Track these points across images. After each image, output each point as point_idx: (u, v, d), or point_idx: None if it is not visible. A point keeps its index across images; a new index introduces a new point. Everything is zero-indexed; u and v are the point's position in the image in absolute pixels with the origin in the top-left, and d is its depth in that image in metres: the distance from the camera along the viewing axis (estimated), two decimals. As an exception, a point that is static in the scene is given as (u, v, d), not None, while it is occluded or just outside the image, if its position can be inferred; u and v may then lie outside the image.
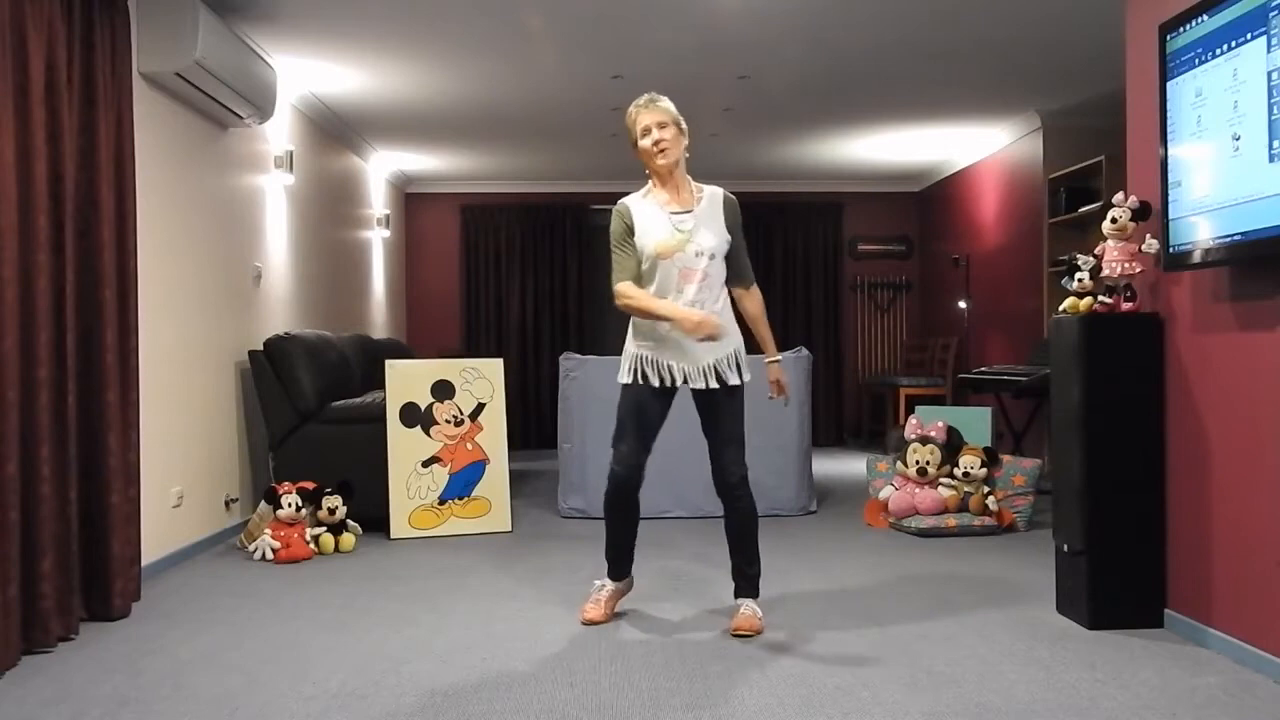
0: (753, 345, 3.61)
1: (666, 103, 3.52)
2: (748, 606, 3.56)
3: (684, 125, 3.54)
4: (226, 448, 5.27)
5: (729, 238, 3.53)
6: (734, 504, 3.54)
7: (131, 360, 3.83)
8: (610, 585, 3.71)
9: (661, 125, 3.48)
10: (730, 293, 3.60)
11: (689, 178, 3.59)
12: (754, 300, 3.66)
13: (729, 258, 3.55)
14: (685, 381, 3.49)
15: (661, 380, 3.49)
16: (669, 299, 3.43)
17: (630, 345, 3.58)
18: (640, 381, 3.50)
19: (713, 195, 3.57)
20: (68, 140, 3.45)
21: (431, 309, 9.98)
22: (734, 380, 3.50)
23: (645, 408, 3.51)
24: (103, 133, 3.66)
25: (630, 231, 3.50)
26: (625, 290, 3.47)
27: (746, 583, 3.61)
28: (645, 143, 3.49)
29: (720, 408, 3.50)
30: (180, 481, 4.68)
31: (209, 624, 3.64)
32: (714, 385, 3.47)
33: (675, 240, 3.44)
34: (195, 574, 4.45)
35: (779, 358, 3.66)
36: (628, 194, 3.60)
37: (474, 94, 6.54)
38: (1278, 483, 2.99)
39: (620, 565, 3.73)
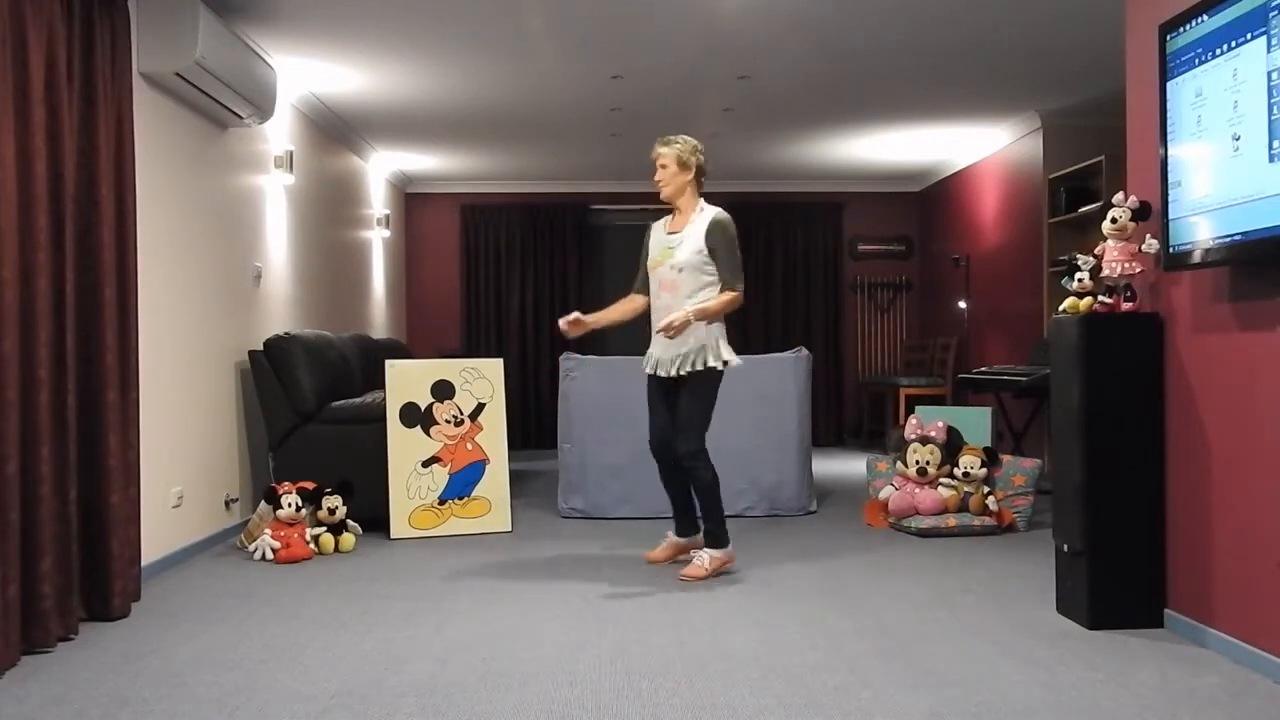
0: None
1: (671, 146, 4.25)
2: (699, 556, 4.28)
3: (689, 160, 4.24)
4: (226, 448, 5.27)
5: (703, 250, 4.20)
6: (684, 475, 4.32)
7: (131, 360, 3.83)
8: (670, 536, 4.56)
9: (663, 165, 4.25)
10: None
11: (700, 200, 4.32)
12: (720, 298, 4.23)
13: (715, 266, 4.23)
14: (657, 370, 4.29)
15: (653, 369, 4.34)
16: (657, 302, 4.33)
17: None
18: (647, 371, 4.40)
19: (704, 217, 4.25)
20: (68, 140, 3.45)
21: (431, 309, 9.98)
22: (686, 371, 4.19)
23: (651, 392, 4.41)
24: (103, 132, 3.66)
25: (644, 247, 4.47)
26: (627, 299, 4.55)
27: (695, 530, 4.45)
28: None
29: (678, 395, 4.27)
30: (180, 481, 4.68)
31: (209, 624, 3.64)
32: (672, 375, 4.23)
33: (660, 256, 4.31)
34: (195, 574, 4.45)
35: (688, 312, 4.11)
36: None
37: (474, 94, 6.54)
38: (1278, 482, 2.99)
39: (677, 522, 4.53)
